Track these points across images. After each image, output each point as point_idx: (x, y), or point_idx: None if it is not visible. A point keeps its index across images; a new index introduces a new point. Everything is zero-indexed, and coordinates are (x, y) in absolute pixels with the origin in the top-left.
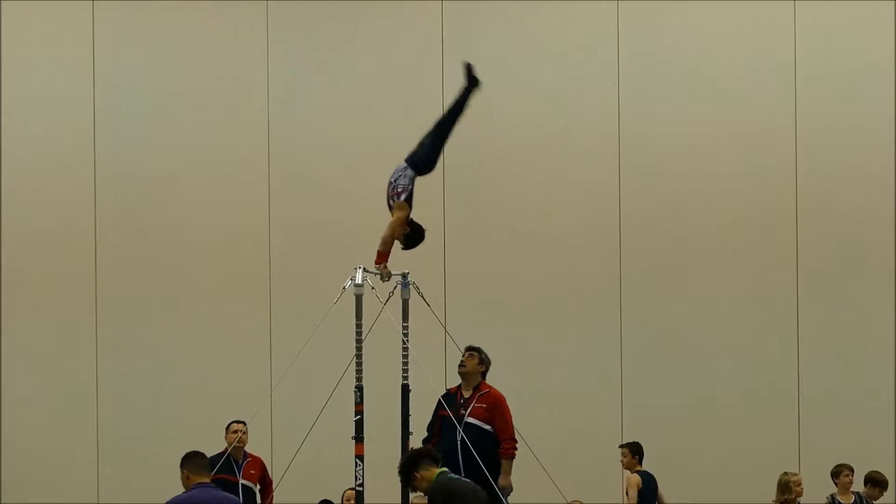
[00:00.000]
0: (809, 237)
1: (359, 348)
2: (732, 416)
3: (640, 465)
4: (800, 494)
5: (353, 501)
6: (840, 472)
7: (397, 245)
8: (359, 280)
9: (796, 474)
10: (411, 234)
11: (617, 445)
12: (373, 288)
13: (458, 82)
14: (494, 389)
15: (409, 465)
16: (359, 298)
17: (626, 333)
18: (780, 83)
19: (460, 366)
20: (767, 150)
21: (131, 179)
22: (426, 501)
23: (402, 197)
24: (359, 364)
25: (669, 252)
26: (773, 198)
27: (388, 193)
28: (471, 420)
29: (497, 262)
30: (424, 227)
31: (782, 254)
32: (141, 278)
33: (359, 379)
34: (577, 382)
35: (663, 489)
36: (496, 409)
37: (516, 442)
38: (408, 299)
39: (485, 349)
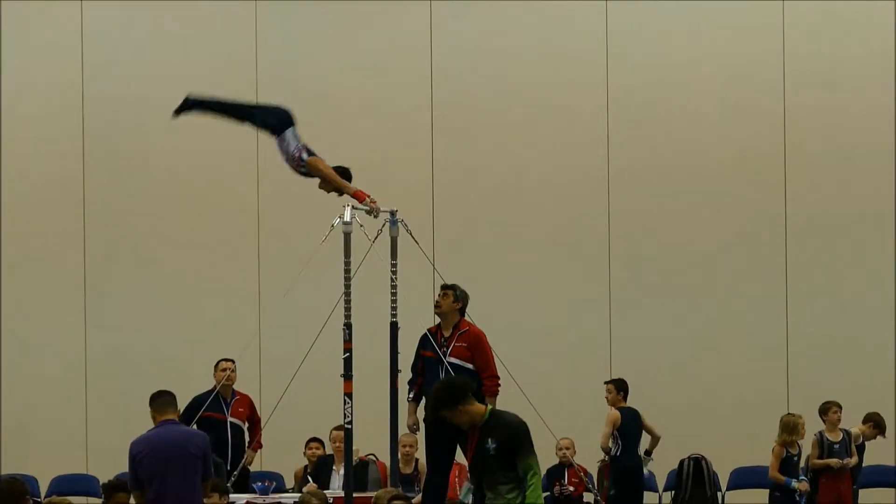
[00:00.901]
0: (797, 179)
1: (347, 286)
2: (720, 352)
3: (625, 401)
4: (803, 436)
5: (341, 440)
6: (829, 409)
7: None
8: (347, 218)
9: (801, 416)
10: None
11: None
12: (361, 226)
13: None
14: (474, 326)
15: (457, 397)
16: (347, 236)
17: (615, 273)
18: (768, 26)
19: (436, 306)
20: (755, 94)
21: (119, 124)
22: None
23: (305, 154)
24: (347, 302)
25: (659, 195)
26: (762, 141)
27: (293, 167)
28: (452, 360)
29: (486, 199)
30: (345, 166)
31: (771, 195)
32: (129, 223)
33: (347, 317)
34: (566, 320)
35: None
36: (476, 346)
37: (499, 378)
38: (396, 237)
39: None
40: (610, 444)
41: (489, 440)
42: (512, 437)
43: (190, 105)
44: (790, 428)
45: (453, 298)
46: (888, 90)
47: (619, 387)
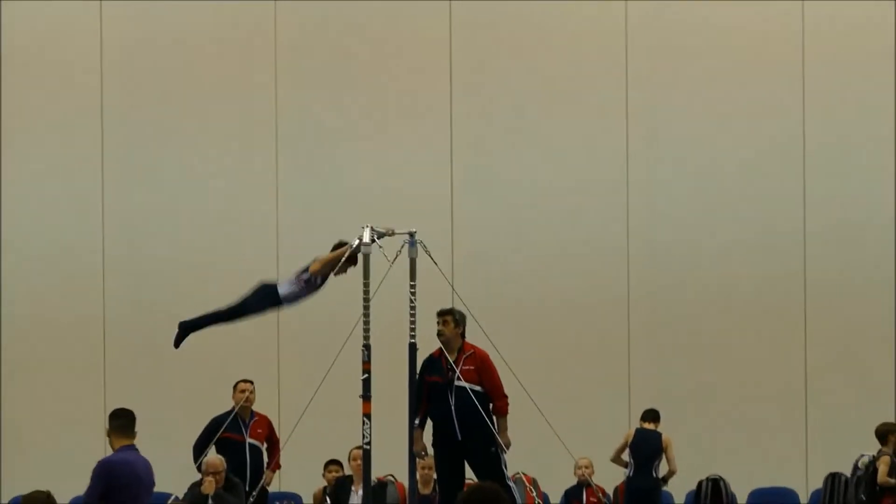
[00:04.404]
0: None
1: (366, 307)
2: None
3: (651, 424)
4: None
5: (360, 460)
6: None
7: None
8: (366, 239)
9: None
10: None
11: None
12: (380, 247)
13: None
14: (478, 349)
15: None
16: (366, 258)
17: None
18: None
19: (439, 334)
20: None
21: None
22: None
23: (305, 275)
24: (366, 323)
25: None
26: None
27: (311, 292)
28: (461, 384)
29: (505, 219)
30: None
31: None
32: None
33: (366, 338)
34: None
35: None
36: (483, 368)
37: (507, 397)
38: (415, 258)
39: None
40: (624, 460)
41: None
42: None
43: (184, 329)
44: None
45: (454, 324)
46: None
47: (644, 415)
